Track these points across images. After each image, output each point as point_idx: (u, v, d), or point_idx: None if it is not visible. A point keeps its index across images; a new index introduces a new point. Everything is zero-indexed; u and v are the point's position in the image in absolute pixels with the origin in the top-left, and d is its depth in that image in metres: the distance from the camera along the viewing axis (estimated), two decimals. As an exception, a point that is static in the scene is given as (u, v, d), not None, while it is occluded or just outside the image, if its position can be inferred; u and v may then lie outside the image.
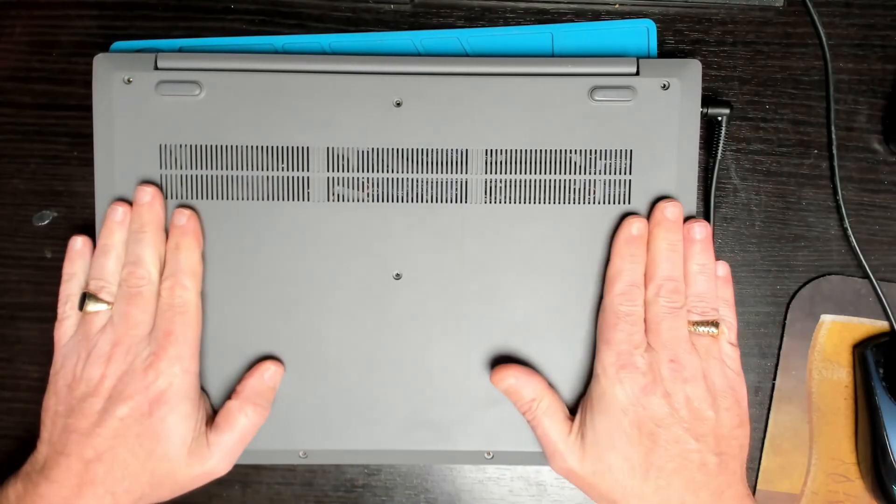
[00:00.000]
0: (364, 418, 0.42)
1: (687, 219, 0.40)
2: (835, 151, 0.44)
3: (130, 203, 0.40)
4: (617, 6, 0.45)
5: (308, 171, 0.41)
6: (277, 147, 0.41)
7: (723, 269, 0.41)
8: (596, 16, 0.45)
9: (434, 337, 0.41)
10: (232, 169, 0.41)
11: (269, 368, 0.40)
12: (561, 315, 0.41)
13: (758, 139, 0.45)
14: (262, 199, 0.41)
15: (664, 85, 0.41)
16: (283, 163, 0.41)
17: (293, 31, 0.45)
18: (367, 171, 0.41)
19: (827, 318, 0.45)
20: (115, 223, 0.40)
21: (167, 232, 0.40)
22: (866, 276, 0.44)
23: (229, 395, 0.41)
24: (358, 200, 0.41)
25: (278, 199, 0.41)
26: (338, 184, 0.41)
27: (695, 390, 0.38)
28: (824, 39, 0.45)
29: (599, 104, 0.41)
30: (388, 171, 0.41)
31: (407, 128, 0.41)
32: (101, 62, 0.41)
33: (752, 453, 0.45)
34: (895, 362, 0.43)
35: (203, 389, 0.41)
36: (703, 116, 0.42)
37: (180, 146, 0.40)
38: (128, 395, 0.37)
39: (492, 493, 0.46)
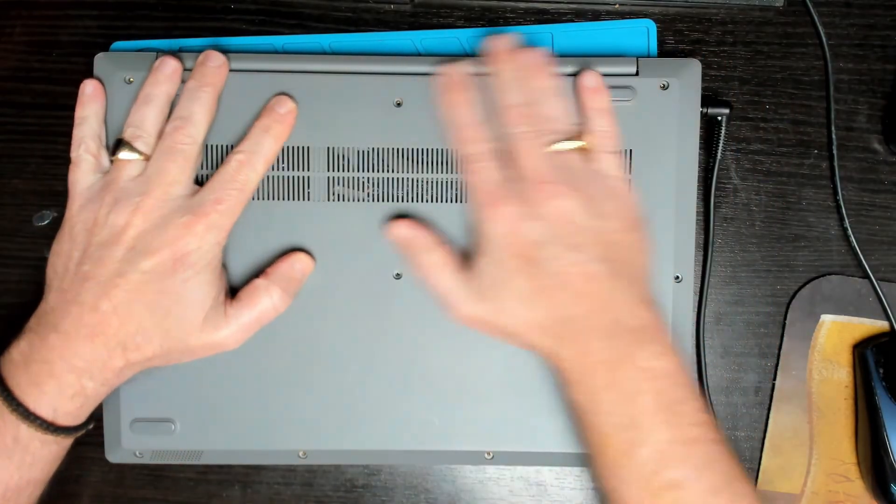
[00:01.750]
0: (364, 418, 0.42)
1: None
2: (835, 151, 0.45)
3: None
4: (617, 6, 0.45)
5: (308, 170, 0.41)
6: (277, 147, 0.41)
7: (591, 79, 0.39)
8: (596, 16, 0.45)
9: (434, 337, 0.41)
10: (232, 169, 0.41)
11: (301, 259, 0.40)
12: None
13: (758, 139, 0.45)
14: (262, 199, 0.41)
15: (664, 85, 0.41)
16: (283, 162, 0.41)
17: (293, 31, 0.45)
18: (367, 171, 0.41)
19: (827, 318, 0.45)
20: (163, 75, 0.39)
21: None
22: (866, 276, 0.44)
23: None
24: (358, 200, 0.41)
25: (278, 199, 0.41)
26: (338, 184, 0.41)
27: (567, 203, 0.36)
28: (824, 39, 0.45)
29: (599, 104, 0.41)
30: (388, 171, 0.41)
31: (407, 128, 0.41)
32: (101, 62, 0.41)
33: (752, 453, 0.45)
34: (895, 362, 0.43)
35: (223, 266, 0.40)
36: (703, 116, 0.42)
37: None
38: (154, 248, 0.36)
39: (492, 493, 0.46)
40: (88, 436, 0.44)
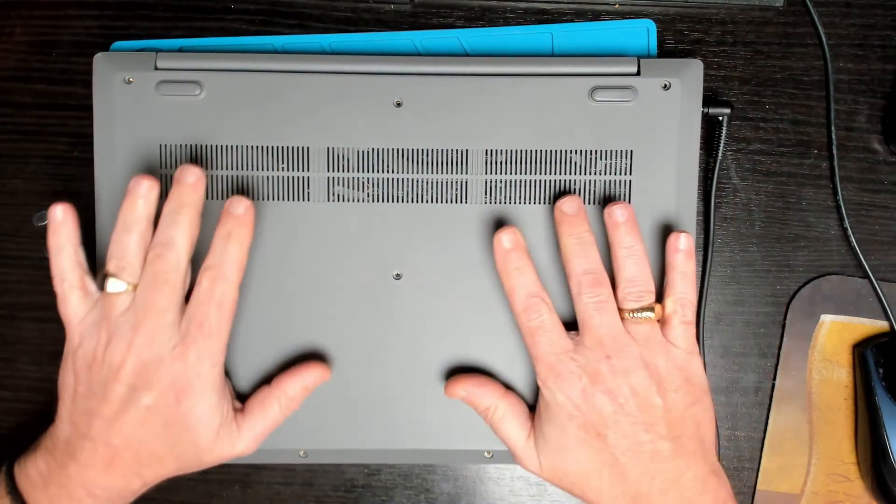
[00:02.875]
0: (364, 418, 0.42)
1: (608, 203, 0.39)
2: (835, 151, 0.44)
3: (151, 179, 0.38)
4: (617, 6, 0.45)
5: (308, 171, 0.41)
6: (277, 147, 0.41)
7: (685, 241, 0.39)
8: (596, 16, 0.45)
9: (434, 337, 0.41)
10: (232, 169, 0.41)
11: (315, 373, 0.40)
12: (560, 314, 0.41)
13: (758, 139, 0.45)
14: (263, 199, 0.41)
15: (665, 85, 0.40)
16: (283, 163, 0.41)
17: (293, 31, 0.45)
18: (367, 171, 0.41)
19: (827, 318, 0.45)
20: (139, 197, 0.37)
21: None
22: (866, 276, 0.44)
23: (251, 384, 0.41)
24: (358, 200, 0.41)
25: (278, 199, 0.41)
26: (338, 184, 0.41)
27: (637, 380, 0.37)
28: (824, 39, 0.45)
29: (600, 104, 0.41)
30: (388, 171, 0.41)
31: (407, 128, 0.41)
32: (101, 62, 0.41)
33: (751, 453, 0.45)
34: (895, 362, 0.43)
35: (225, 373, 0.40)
36: (704, 116, 0.42)
37: (180, 146, 0.40)
38: (153, 383, 0.36)
39: (492, 493, 0.46)
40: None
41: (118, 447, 0.37)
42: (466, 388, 0.40)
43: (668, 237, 0.39)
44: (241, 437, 0.39)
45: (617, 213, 0.38)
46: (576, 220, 0.39)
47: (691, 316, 0.39)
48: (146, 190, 0.37)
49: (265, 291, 0.41)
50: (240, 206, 0.38)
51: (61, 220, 0.38)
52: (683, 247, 0.39)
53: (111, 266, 0.37)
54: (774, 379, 0.45)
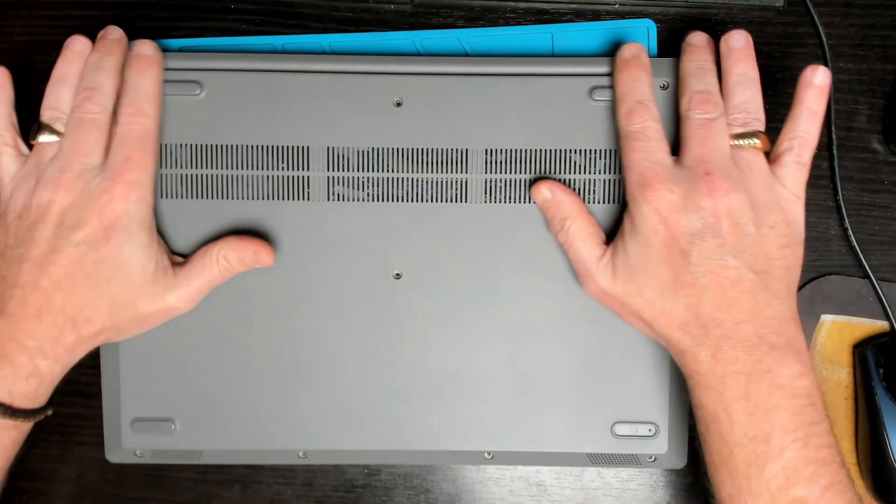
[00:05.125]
0: (364, 418, 0.42)
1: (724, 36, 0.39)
2: (835, 151, 0.45)
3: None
4: (617, 6, 0.45)
5: (308, 170, 0.41)
6: (277, 147, 0.41)
7: (821, 76, 0.37)
8: (596, 16, 0.45)
9: (434, 337, 0.41)
10: (232, 169, 0.41)
11: (260, 250, 0.39)
12: (560, 315, 0.41)
13: (758, 139, 0.45)
14: (263, 199, 0.41)
15: (663, 85, 0.41)
16: (283, 162, 0.41)
17: (293, 31, 0.45)
18: (367, 170, 0.41)
19: (827, 318, 0.45)
20: (73, 52, 0.39)
21: None
22: (866, 276, 0.44)
23: None
24: (358, 200, 0.41)
25: (278, 199, 0.41)
26: (338, 183, 0.41)
27: (733, 203, 0.35)
28: (824, 39, 0.45)
29: (599, 104, 0.41)
30: (388, 171, 0.41)
31: (407, 128, 0.41)
32: (101, 62, 0.41)
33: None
34: (895, 362, 0.43)
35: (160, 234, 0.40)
36: (704, 116, 0.42)
37: (180, 146, 0.40)
38: (83, 220, 0.36)
39: (492, 493, 0.46)
40: (88, 436, 0.45)
41: (48, 290, 0.36)
42: (553, 188, 0.39)
43: (803, 71, 0.38)
44: (178, 285, 0.38)
45: (734, 38, 0.38)
46: (701, 51, 0.38)
47: (807, 158, 0.37)
48: (82, 46, 0.39)
49: (265, 291, 0.41)
50: (146, 47, 0.39)
51: None
52: (819, 82, 0.37)
53: (45, 117, 0.38)
54: (774, 379, 0.45)
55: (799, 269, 0.37)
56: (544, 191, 0.39)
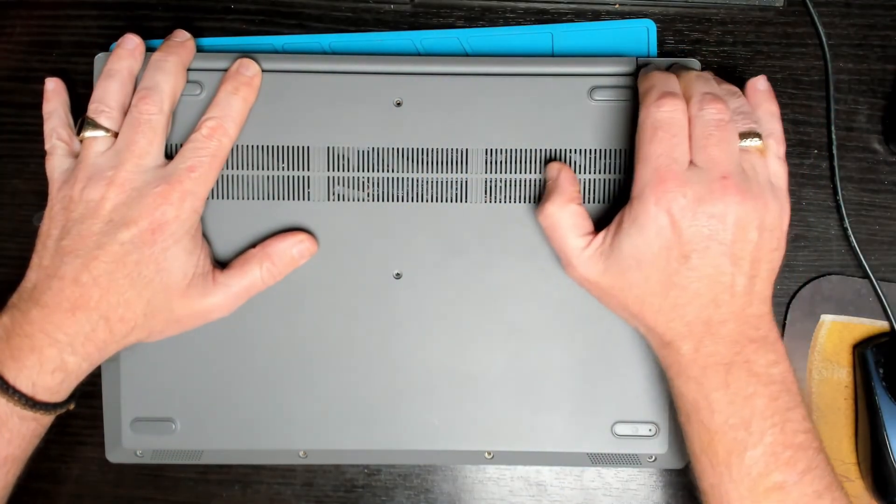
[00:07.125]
0: (364, 418, 0.42)
1: None
2: (835, 151, 0.45)
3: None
4: (617, 6, 0.45)
5: (308, 170, 0.41)
6: (277, 147, 0.41)
7: (762, 83, 0.39)
8: (596, 16, 0.45)
9: (434, 337, 0.41)
10: (232, 168, 0.41)
11: (302, 242, 0.40)
12: (561, 315, 0.41)
13: (758, 139, 0.45)
14: (263, 199, 0.41)
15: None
16: (283, 162, 0.41)
17: (293, 31, 0.45)
18: (368, 170, 0.41)
19: (827, 318, 0.45)
20: (125, 50, 0.39)
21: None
22: (866, 276, 0.44)
23: None
24: (358, 200, 0.41)
25: (278, 199, 0.41)
26: (338, 183, 0.41)
27: (744, 212, 0.35)
28: (824, 39, 0.45)
29: (599, 104, 0.41)
30: (388, 171, 0.41)
31: (407, 128, 0.41)
32: (101, 62, 0.41)
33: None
34: (895, 362, 0.43)
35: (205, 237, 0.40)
36: (704, 116, 0.42)
37: (181, 146, 0.40)
38: (132, 219, 0.36)
39: (492, 493, 0.46)
40: (88, 436, 0.45)
41: (87, 285, 0.36)
42: (562, 169, 0.39)
43: (745, 85, 0.39)
44: (216, 290, 0.38)
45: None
46: (702, 74, 0.39)
47: (783, 154, 0.38)
48: (134, 46, 0.39)
49: (265, 291, 0.41)
50: (250, 70, 0.39)
51: (53, 90, 0.41)
52: (764, 87, 0.39)
53: (91, 110, 0.38)
54: (774, 379, 0.45)
55: (778, 269, 0.38)
56: (554, 169, 0.39)
